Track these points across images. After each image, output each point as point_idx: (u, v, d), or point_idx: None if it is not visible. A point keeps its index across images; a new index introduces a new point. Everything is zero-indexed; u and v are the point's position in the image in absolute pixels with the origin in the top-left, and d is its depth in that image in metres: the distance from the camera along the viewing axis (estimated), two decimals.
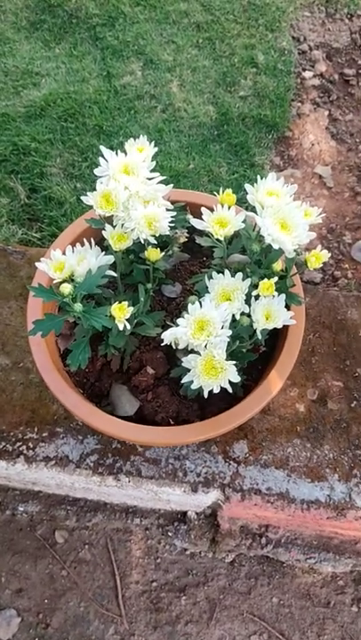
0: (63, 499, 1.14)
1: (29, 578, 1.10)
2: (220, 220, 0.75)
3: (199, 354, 0.70)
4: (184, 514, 1.10)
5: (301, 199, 1.58)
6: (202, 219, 0.76)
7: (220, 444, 0.95)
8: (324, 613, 1.10)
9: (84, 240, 0.80)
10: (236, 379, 0.70)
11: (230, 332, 0.70)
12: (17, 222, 1.53)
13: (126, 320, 0.73)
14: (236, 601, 1.10)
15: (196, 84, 1.83)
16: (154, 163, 0.78)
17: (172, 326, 0.73)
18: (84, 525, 1.14)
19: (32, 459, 0.94)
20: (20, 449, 0.94)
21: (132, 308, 0.73)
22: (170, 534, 1.13)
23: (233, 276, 0.74)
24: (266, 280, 0.71)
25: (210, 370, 0.69)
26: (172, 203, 0.82)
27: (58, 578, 1.11)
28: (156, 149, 0.79)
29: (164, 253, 0.81)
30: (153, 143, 0.78)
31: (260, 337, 0.74)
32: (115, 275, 0.80)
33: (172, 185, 0.79)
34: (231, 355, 0.75)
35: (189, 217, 0.87)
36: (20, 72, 1.82)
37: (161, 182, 0.77)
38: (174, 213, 0.79)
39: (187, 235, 0.87)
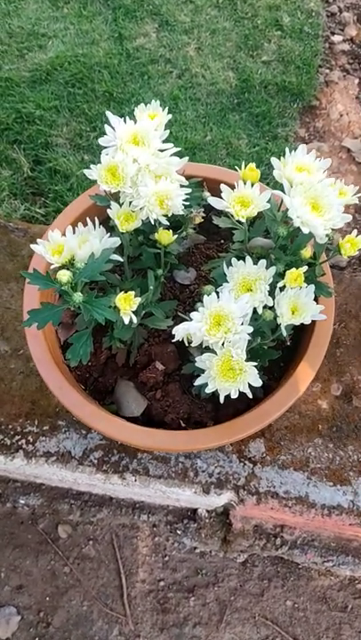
0: (66, 492, 1.11)
1: (30, 574, 1.08)
2: (243, 198, 0.68)
3: (215, 353, 0.64)
4: (194, 511, 1.07)
5: (328, 176, 1.49)
6: (220, 197, 0.70)
7: (234, 442, 0.89)
8: (340, 618, 1.08)
9: (88, 219, 0.74)
10: (258, 382, 0.63)
11: (251, 329, 0.62)
12: (19, 197, 1.49)
13: (133, 312, 0.67)
14: (247, 603, 1.08)
15: (216, 47, 1.76)
16: (167, 132, 0.72)
17: (184, 318, 0.67)
18: (89, 520, 1.11)
19: (32, 454, 0.90)
20: (19, 443, 0.91)
21: (139, 299, 0.67)
22: (179, 532, 1.10)
23: (255, 263, 0.67)
24: (293, 269, 0.64)
25: (227, 371, 0.63)
26: (187, 178, 0.76)
27: (60, 574, 1.08)
28: (170, 117, 0.74)
29: (177, 235, 0.75)
30: (166, 110, 0.72)
31: (284, 333, 0.67)
32: (121, 260, 0.74)
33: (187, 158, 0.73)
34: (251, 352, 0.68)
35: (207, 194, 0.81)
36: (25, 33, 1.77)
37: (175, 154, 0.71)
38: (189, 190, 0.73)
39: (203, 214, 0.81)
